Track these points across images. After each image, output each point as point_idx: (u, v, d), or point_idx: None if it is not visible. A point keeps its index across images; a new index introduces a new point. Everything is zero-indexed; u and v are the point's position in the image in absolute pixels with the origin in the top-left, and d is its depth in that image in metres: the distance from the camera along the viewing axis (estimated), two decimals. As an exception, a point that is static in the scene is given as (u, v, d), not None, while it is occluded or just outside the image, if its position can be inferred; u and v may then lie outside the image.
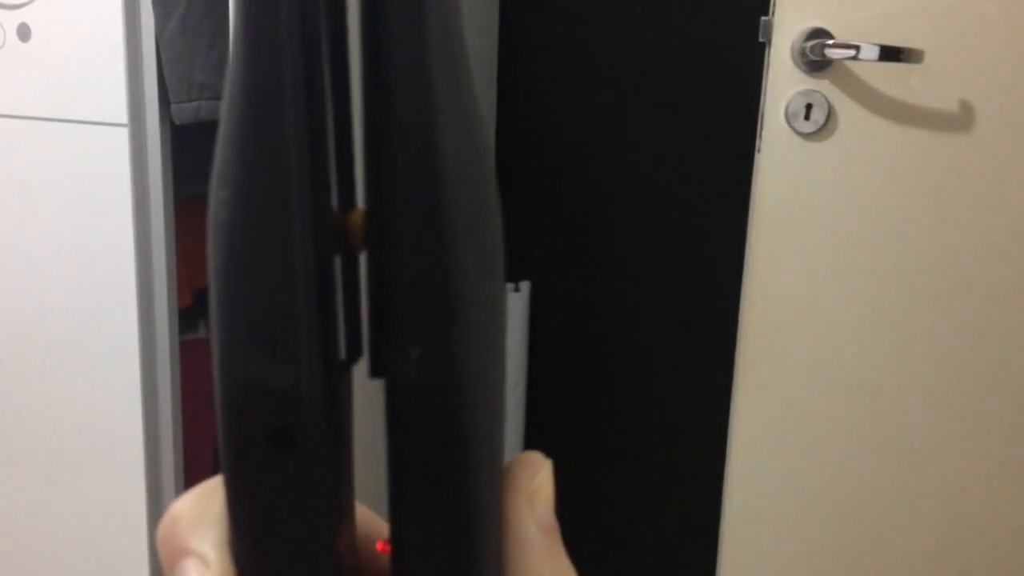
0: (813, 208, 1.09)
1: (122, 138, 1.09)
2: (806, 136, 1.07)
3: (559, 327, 1.64)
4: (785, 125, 1.07)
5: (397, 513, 0.20)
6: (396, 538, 0.20)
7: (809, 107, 1.06)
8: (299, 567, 0.20)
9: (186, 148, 1.17)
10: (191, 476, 1.27)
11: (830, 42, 1.03)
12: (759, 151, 1.09)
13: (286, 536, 0.20)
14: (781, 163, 1.08)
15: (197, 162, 1.21)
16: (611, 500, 1.68)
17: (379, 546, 0.23)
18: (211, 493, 0.21)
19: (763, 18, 1.07)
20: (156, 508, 1.21)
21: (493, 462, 0.20)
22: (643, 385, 1.63)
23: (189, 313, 1.30)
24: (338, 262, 0.20)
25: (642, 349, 1.61)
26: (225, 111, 0.18)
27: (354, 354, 0.21)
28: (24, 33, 1.10)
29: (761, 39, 1.08)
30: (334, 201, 0.20)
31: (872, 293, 1.10)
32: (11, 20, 1.11)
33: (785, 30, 1.06)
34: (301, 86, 0.18)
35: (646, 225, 1.57)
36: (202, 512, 0.21)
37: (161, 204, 1.13)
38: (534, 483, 0.22)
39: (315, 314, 0.19)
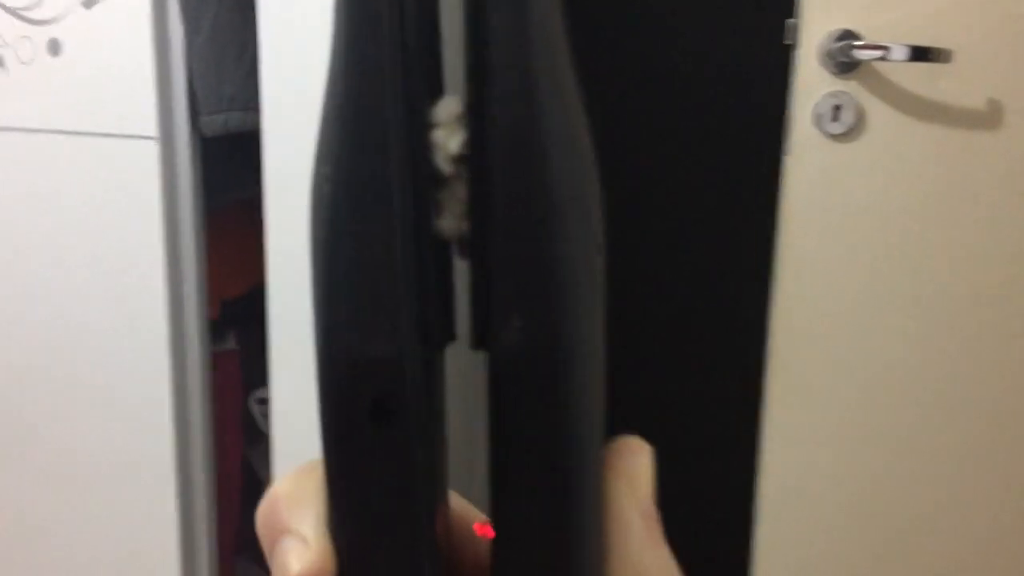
0: (843, 210, 1.09)
1: (152, 151, 1.10)
2: (835, 138, 1.07)
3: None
4: (813, 127, 1.07)
5: (500, 488, 0.19)
6: (497, 514, 0.20)
7: (837, 108, 1.06)
8: (399, 545, 0.20)
9: (215, 160, 1.18)
10: (222, 488, 1.27)
11: (858, 43, 1.03)
12: (788, 153, 1.08)
13: (385, 513, 0.19)
14: (810, 165, 1.08)
15: (226, 174, 1.22)
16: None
17: (477, 528, 0.23)
18: (309, 472, 0.21)
19: (788, 20, 1.07)
20: (187, 520, 1.21)
21: (597, 438, 0.20)
22: (672, 392, 1.62)
23: (218, 325, 1.30)
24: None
25: (670, 355, 1.61)
26: (328, 85, 0.19)
27: (449, 331, 0.21)
28: (54, 48, 1.11)
29: (787, 42, 1.08)
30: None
31: (903, 294, 1.10)
32: (41, 35, 1.12)
33: (811, 32, 1.06)
34: (400, 66, 0.18)
35: (674, 229, 1.56)
36: (300, 491, 0.21)
37: (191, 216, 1.13)
38: (636, 467, 0.21)
39: (415, 287, 0.19)
